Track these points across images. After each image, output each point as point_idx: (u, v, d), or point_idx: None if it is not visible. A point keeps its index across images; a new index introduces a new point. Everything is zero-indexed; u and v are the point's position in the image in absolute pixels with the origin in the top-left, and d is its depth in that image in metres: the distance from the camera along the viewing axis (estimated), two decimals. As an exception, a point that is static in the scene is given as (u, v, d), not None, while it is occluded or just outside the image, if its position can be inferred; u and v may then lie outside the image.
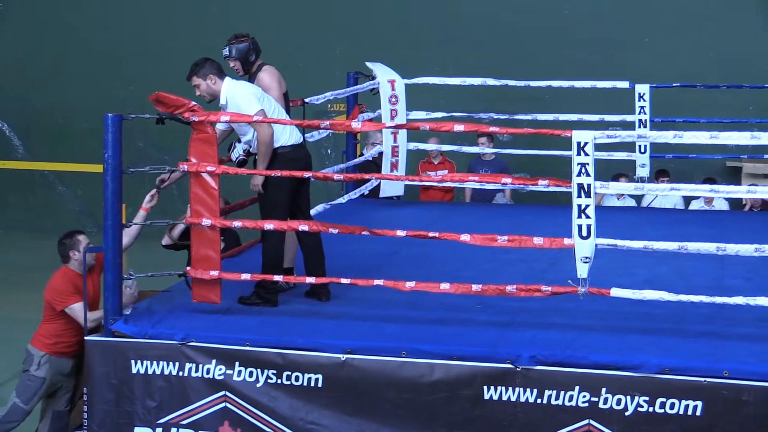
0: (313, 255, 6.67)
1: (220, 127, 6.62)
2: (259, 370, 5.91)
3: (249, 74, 6.95)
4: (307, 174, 6.37)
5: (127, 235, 6.56)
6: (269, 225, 6.41)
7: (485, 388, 5.67)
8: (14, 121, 15.02)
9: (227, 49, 6.91)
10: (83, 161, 14.33)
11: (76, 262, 6.80)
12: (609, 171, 11.26)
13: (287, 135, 6.58)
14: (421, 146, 10.61)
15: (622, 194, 11.07)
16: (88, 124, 13.80)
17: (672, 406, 5.46)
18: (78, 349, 6.81)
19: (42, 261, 12.85)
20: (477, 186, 10.80)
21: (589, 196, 5.66)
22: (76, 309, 6.62)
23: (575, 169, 5.66)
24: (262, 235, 6.65)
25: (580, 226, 5.71)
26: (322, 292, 6.63)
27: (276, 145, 6.51)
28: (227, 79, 6.56)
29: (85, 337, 6.24)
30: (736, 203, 11.30)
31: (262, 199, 6.61)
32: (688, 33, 12.96)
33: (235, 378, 5.94)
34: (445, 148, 11.03)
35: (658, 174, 11.28)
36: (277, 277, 6.46)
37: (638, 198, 11.42)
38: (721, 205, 11.01)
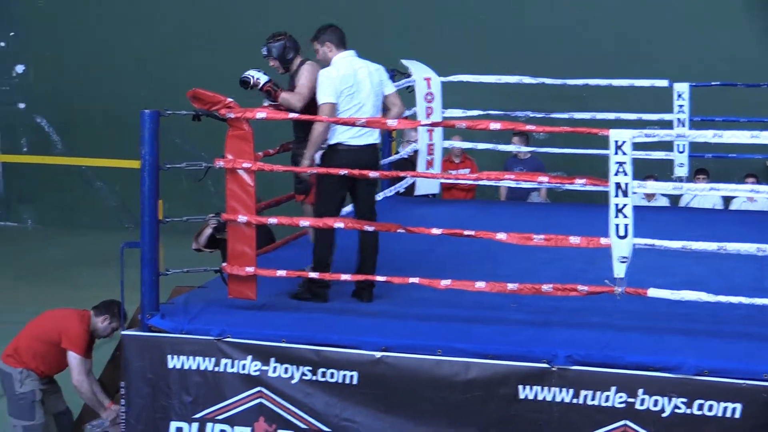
0: (368, 256, 6.66)
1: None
2: (294, 367, 5.92)
3: (289, 72, 6.96)
4: (342, 171, 6.37)
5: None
6: (304, 222, 6.42)
7: (520, 387, 5.64)
8: (53, 117, 15.15)
9: (264, 48, 6.95)
10: (120, 157, 14.43)
11: (100, 325, 6.89)
12: (645, 171, 11.20)
13: (350, 134, 6.56)
14: (457, 144, 10.58)
15: (653, 196, 11.02)
16: (126, 120, 13.88)
17: (710, 408, 5.41)
18: (50, 376, 6.95)
19: (78, 257, 13.02)
20: (513, 185, 10.78)
21: (627, 196, 5.62)
22: (74, 359, 6.71)
23: (612, 168, 5.62)
24: (315, 232, 6.70)
25: (617, 226, 5.67)
26: (363, 293, 6.63)
27: (335, 141, 6.54)
28: (345, 54, 6.62)
29: (122, 332, 6.27)
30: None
31: (316, 191, 6.67)
32: (729, 31, 12.86)
33: (270, 374, 5.95)
34: (481, 146, 11.00)
35: (697, 172, 11.19)
36: (313, 274, 6.47)
37: (675, 198, 11.33)
38: (763, 204, 10.90)
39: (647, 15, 13.16)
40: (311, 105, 6.73)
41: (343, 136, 6.56)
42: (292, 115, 6.48)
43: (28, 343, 6.87)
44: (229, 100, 6.29)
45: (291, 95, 6.78)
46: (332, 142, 6.61)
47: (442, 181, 10.52)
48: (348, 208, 7.11)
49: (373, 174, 6.38)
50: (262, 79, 6.83)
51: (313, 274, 6.52)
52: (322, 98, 6.52)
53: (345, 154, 6.55)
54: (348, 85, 6.54)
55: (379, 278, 6.33)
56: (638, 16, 13.17)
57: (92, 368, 6.93)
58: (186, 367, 6.04)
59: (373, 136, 6.65)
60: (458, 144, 11.00)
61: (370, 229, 6.42)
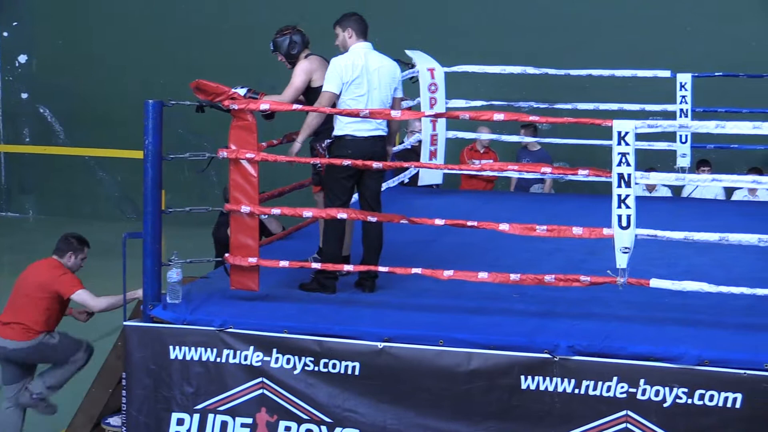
0: (371, 247, 6.67)
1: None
2: (296, 358, 5.92)
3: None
4: (346, 162, 6.37)
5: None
6: (307, 213, 6.43)
7: (522, 377, 5.65)
8: (56, 107, 15.15)
9: (271, 43, 6.97)
10: (123, 147, 14.43)
11: (70, 264, 7.19)
12: (648, 161, 11.21)
13: (355, 126, 6.54)
14: (461, 135, 10.60)
15: (654, 187, 11.03)
16: (129, 111, 13.90)
17: (711, 398, 5.42)
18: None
19: (82, 246, 13.01)
20: (517, 176, 10.79)
21: (629, 186, 5.62)
22: (83, 295, 7.00)
23: (615, 158, 5.62)
24: (324, 223, 6.73)
25: (620, 216, 5.67)
26: (366, 284, 6.64)
27: (341, 132, 6.55)
28: (362, 44, 6.61)
29: (124, 323, 6.27)
30: (778, 194, 11.19)
31: (324, 182, 6.71)
32: (731, 21, 12.84)
33: (272, 365, 5.95)
34: (485, 136, 11.01)
35: (699, 164, 11.19)
36: (316, 265, 6.48)
37: (677, 189, 11.33)
38: (765, 196, 10.91)
39: (650, 5, 13.13)
40: (314, 94, 6.75)
41: (348, 127, 6.56)
42: (296, 106, 6.49)
43: (34, 314, 7.06)
44: (233, 90, 6.29)
45: (277, 96, 6.75)
46: (338, 133, 6.61)
47: (456, 172, 10.50)
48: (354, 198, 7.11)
49: (378, 165, 6.36)
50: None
51: (315, 265, 6.53)
52: (325, 86, 6.55)
53: (350, 144, 6.55)
54: (354, 76, 6.53)
55: (381, 269, 6.34)
56: (641, 7, 13.14)
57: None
58: (188, 357, 6.05)
59: (380, 129, 6.63)
60: (482, 136, 11.00)
61: (374, 220, 6.43)
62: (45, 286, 7.04)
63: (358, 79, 6.53)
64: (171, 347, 6.08)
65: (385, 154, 6.68)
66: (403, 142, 10.57)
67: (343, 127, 6.58)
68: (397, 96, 6.77)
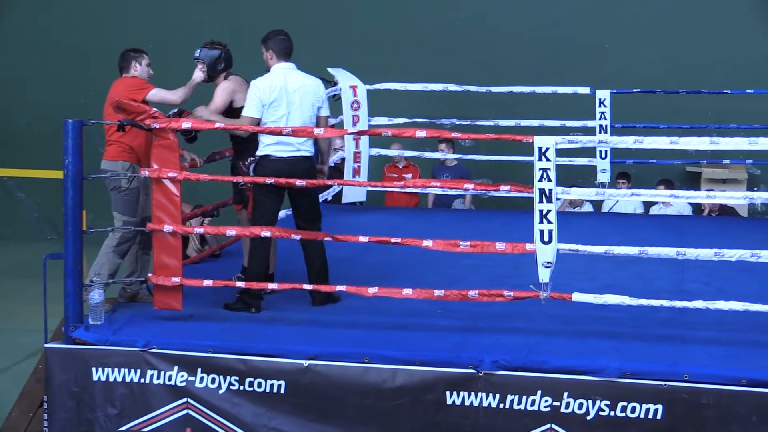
0: (315, 264, 6.68)
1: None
2: (221, 377, 5.89)
3: (214, 82, 6.92)
4: (269, 180, 6.36)
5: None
6: (231, 231, 6.40)
7: (448, 393, 5.68)
8: (-28, 127, 14.87)
9: (199, 50, 6.91)
10: (43, 167, 14.21)
11: (136, 72, 6.80)
12: (570, 178, 11.37)
13: (275, 147, 6.55)
14: (384, 152, 10.65)
15: (581, 203, 11.19)
16: (49, 130, 13.70)
17: (633, 410, 5.50)
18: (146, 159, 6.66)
19: (0, 268, 12.80)
20: (439, 192, 10.86)
21: (551, 201, 5.69)
22: (156, 93, 6.64)
23: (537, 174, 5.69)
24: (250, 242, 6.69)
25: (541, 231, 5.74)
26: (316, 297, 6.65)
27: (262, 153, 6.56)
28: (283, 65, 6.62)
29: (45, 345, 6.18)
30: (695, 208, 11.42)
31: (252, 202, 6.71)
32: (649, 39, 13.08)
33: (197, 385, 5.91)
34: (408, 153, 11.07)
35: (618, 176, 11.37)
36: (240, 284, 6.46)
37: (598, 204, 11.50)
38: (683, 209, 11.13)
39: (569, 23, 13.33)
40: (236, 115, 6.73)
41: (269, 148, 6.56)
42: (218, 125, 6.47)
43: (116, 139, 6.67)
44: (154, 110, 6.26)
45: (202, 112, 6.72)
46: (260, 153, 6.60)
47: (380, 189, 10.55)
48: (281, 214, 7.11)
49: (299, 183, 6.36)
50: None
51: (240, 284, 6.50)
52: (245, 111, 6.56)
53: (271, 164, 6.54)
54: (272, 98, 6.53)
55: (306, 286, 6.33)
56: (560, 25, 13.33)
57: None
58: (111, 379, 5.98)
59: (302, 150, 6.62)
60: (397, 152, 11.06)
61: (297, 238, 6.41)
62: (114, 101, 6.51)
63: (277, 101, 6.54)
64: (94, 369, 6.00)
65: (308, 175, 6.65)
66: (326, 160, 10.58)
67: (263, 148, 6.58)
68: (322, 114, 6.77)
